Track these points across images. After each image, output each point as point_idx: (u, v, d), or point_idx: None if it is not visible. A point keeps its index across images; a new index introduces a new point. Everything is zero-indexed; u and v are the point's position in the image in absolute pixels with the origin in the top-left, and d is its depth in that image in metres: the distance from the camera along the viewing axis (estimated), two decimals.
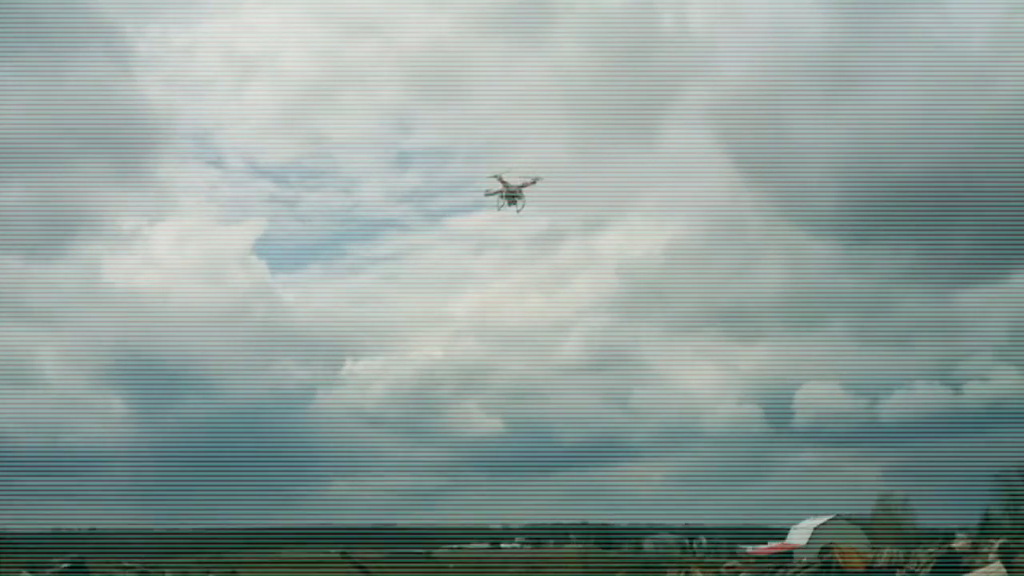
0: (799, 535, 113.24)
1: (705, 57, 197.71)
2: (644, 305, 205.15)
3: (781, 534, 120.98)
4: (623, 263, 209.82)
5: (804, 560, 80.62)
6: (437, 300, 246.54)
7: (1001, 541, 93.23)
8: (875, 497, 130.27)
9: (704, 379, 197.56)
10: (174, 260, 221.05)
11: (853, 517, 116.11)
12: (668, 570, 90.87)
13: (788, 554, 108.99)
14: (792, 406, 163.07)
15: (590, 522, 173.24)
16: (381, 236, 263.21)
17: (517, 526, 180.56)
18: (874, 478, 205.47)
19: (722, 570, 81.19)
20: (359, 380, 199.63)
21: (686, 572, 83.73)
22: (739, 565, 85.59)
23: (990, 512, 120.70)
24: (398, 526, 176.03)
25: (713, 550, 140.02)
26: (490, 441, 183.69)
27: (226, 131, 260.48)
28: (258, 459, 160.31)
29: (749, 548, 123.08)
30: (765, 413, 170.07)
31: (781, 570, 75.01)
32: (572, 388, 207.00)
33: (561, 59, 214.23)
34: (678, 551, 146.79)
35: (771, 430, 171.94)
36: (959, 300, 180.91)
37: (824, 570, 71.80)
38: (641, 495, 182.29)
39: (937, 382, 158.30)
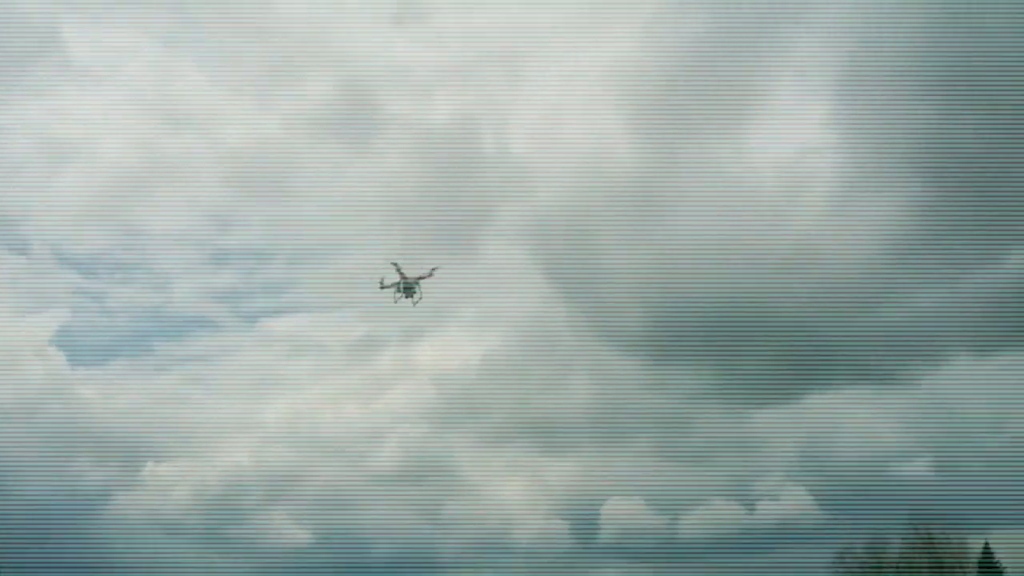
0: None
1: (523, 178, 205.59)
2: (458, 416, 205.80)
3: None
4: (439, 373, 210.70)
5: None
6: (247, 404, 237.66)
7: None
8: None
9: (514, 492, 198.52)
10: None
11: None
12: None
13: None
14: (598, 521, 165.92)
15: None
16: (191, 335, 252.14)
17: None
18: None
19: None
20: (160, 484, 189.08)
21: None
22: None
23: None
24: None
25: None
26: (297, 553, 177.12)
27: (33, 218, 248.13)
28: (45, 566, 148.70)
29: None
30: (571, 528, 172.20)
31: None
32: (384, 499, 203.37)
33: (387, 169, 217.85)
34: None
35: (577, 545, 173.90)
36: (753, 420, 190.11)
37: None
38: None
39: (732, 499, 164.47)
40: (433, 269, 64.75)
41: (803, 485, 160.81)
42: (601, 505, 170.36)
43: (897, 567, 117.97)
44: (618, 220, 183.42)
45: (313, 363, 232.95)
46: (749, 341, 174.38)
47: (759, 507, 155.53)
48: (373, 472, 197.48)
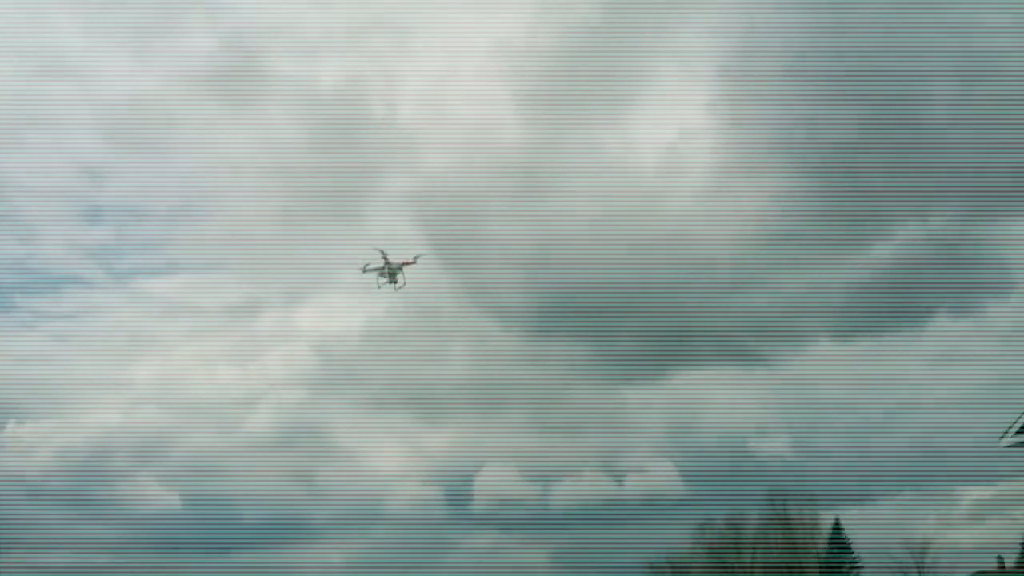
0: None
1: (409, 146, 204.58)
2: (337, 382, 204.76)
3: None
4: (319, 339, 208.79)
5: None
6: (117, 364, 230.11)
7: None
8: None
9: (391, 460, 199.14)
10: None
11: None
12: None
13: None
14: (471, 490, 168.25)
15: None
16: (60, 292, 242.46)
17: None
18: (543, 563, 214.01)
19: None
20: (22, 445, 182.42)
21: None
22: None
23: None
24: None
25: None
26: (166, 517, 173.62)
27: None
28: None
29: None
30: (446, 496, 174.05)
31: None
32: (257, 464, 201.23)
33: (270, 129, 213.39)
34: None
35: (450, 513, 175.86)
36: (624, 395, 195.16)
37: None
38: None
39: (602, 472, 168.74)
40: (417, 256, 63.84)
41: (669, 459, 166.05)
42: (475, 474, 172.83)
43: (754, 541, 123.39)
44: (502, 194, 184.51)
45: (188, 324, 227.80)
46: (623, 319, 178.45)
47: (627, 480, 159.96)
48: (247, 437, 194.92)
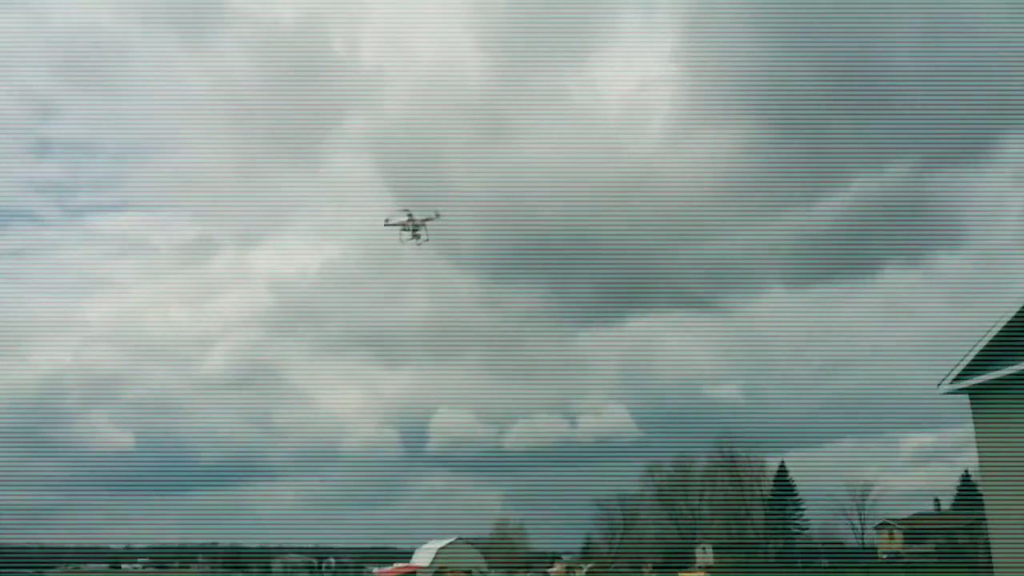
0: (423, 556, 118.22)
1: (371, 86, 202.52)
2: (294, 324, 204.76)
3: (407, 555, 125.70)
4: (275, 280, 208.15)
5: None
6: (69, 302, 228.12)
7: (590, 565, 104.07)
8: (494, 521, 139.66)
9: (347, 401, 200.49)
10: None
11: (472, 540, 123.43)
12: None
13: (412, 574, 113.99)
14: (427, 432, 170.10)
15: (220, 543, 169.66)
16: (9, 228, 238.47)
17: (141, 547, 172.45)
18: (495, 503, 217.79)
19: None
20: None
21: None
22: None
23: (591, 537, 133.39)
24: (7, 545, 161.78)
25: (341, 571, 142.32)
26: (119, 457, 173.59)
27: None
28: None
29: (375, 569, 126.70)
30: (402, 437, 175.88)
31: None
32: (213, 405, 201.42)
33: (227, 66, 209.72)
34: (307, 572, 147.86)
35: (406, 454, 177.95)
36: (579, 340, 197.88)
37: None
38: (275, 516, 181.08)
39: (556, 414, 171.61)
40: (437, 213, 64.09)
41: (622, 403, 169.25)
42: (431, 416, 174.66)
43: (701, 483, 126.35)
44: (464, 138, 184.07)
45: (141, 263, 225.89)
46: (580, 264, 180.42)
47: (580, 422, 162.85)
48: (202, 377, 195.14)
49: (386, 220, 66.20)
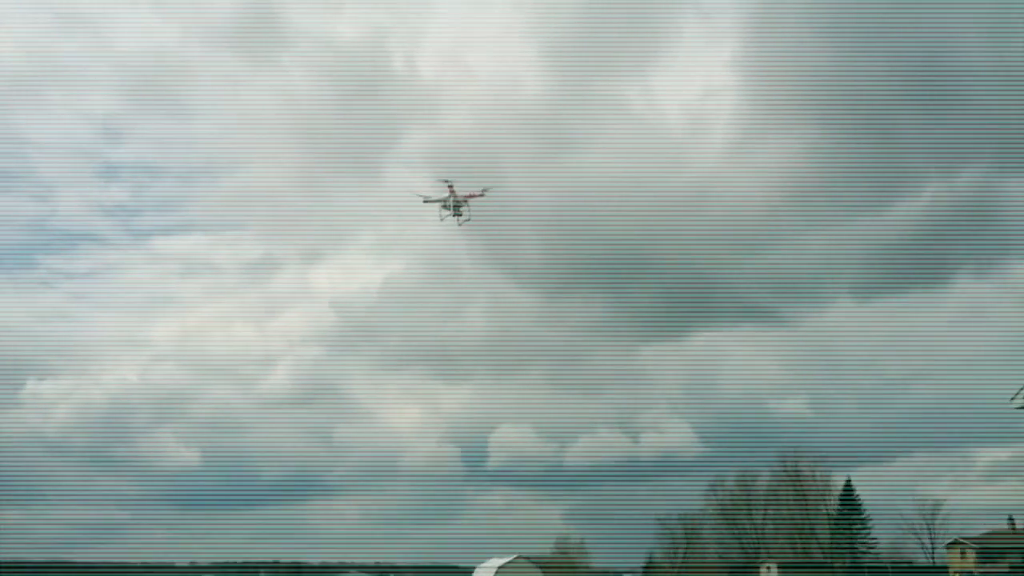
0: (484, 574, 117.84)
1: (430, 101, 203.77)
2: (355, 341, 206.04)
3: (468, 572, 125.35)
4: (337, 297, 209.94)
5: None
6: (136, 322, 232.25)
7: None
8: (554, 538, 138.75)
9: (408, 417, 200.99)
10: None
11: (533, 557, 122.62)
12: None
13: None
14: (487, 448, 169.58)
15: (282, 560, 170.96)
16: (78, 250, 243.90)
17: (205, 563, 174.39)
18: (556, 519, 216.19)
19: None
20: (41, 402, 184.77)
21: None
22: None
23: (653, 555, 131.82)
24: (76, 561, 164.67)
25: None
26: (184, 474, 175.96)
27: None
28: None
29: None
30: (462, 453, 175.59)
31: None
32: (275, 422, 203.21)
33: (289, 85, 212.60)
34: None
35: (466, 470, 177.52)
36: (641, 355, 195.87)
37: None
38: (337, 532, 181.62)
39: (618, 430, 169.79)
40: (485, 189, 61.35)
41: (685, 418, 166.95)
42: (491, 432, 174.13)
43: (765, 499, 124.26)
44: (523, 151, 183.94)
45: (205, 283, 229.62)
46: (642, 277, 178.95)
47: (643, 438, 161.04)
48: (265, 395, 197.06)
49: (425, 198, 62.88)
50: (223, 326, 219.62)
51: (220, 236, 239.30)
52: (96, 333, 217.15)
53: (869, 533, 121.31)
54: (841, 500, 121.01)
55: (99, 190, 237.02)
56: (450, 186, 61.60)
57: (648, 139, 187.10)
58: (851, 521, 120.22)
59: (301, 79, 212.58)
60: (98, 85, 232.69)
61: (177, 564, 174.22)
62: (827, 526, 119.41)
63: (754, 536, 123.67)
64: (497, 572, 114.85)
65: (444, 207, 61.86)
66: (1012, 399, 28.42)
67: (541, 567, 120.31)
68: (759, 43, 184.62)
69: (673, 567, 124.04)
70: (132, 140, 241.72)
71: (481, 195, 61.39)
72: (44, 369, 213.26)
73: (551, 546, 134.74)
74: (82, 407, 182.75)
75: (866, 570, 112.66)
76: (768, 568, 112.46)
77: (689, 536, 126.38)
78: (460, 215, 62.10)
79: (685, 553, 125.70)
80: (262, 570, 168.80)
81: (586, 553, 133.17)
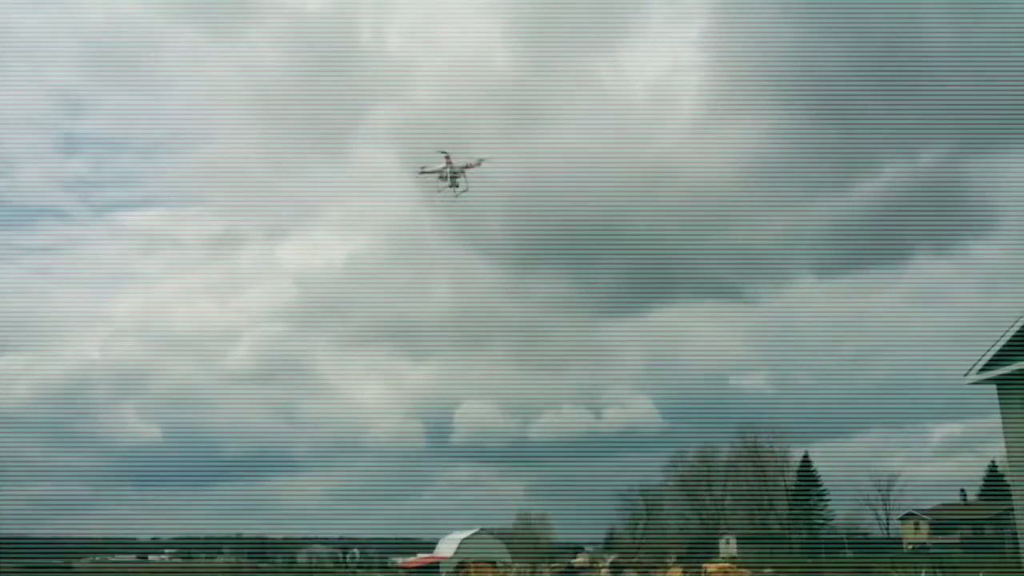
0: (447, 547, 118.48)
1: (398, 76, 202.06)
2: (319, 317, 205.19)
3: (431, 546, 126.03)
4: (301, 273, 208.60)
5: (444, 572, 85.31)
6: (97, 297, 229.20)
7: (613, 557, 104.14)
8: (517, 512, 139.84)
9: (372, 393, 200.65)
10: None
11: (496, 531, 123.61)
12: None
13: (435, 565, 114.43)
14: (451, 424, 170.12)
15: (245, 535, 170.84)
16: (38, 225, 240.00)
17: (168, 538, 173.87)
18: (519, 494, 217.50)
19: None
20: (1, 378, 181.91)
21: None
22: None
23: (614, 528, 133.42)
24: (37, 536, 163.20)
25: (366, 562, 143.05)
26: (146, 450, 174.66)
27: None
28: None
29: (399, 560, 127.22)
30: (426, 429, 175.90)
31: None
32: (238, 398, 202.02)
33: (254, 59, 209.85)
34: (331, 563, 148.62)
35: (430, 446, 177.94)
36: (605, 331, 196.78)
37: None
38: (300, 507, 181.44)
39: (581, 406, 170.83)
40: (481, 159, 60.01)
41: (647, 394, 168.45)
42: (455, 408, 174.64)
43: (725, 473, 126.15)
44: (490, 126, 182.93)
45: (168, 258, 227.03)
46: (606, 254, 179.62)
47: (605, 413, 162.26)
48: (228, 370, 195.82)
49: (421, 168, 61.09)
50: (186, 301, 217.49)
51: (183, 211, 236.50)
52: (56, 308, 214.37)
53: (826, 506, 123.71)
54: (799, 474, 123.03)
55: (59, 164, 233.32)
56: (447, 156, 60.22)
57: (614, 115, 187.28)
58: (808, 495, 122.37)
59: (267, 53, 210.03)
60: (59, 57, 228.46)
61: (139, 539, 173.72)
62: (785, 500, 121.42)
63: (714, 509, 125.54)
64: (460, 545, 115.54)
65: (441, 178, 60.43)
66: (966, 375, 29.25)
67: (504, 541, 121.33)
68: (726, 21, 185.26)
69: (634, 540, 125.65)
70: (93, 113, 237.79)
71: (478, 165, 60.22)
72: (3, 344, 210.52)
73: (514, 520, 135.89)
74: (42, 383, 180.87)
75: (822, 542, 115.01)
76: (727, 541, 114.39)
77: (650, 510, 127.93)
78: (457, 186, 60.59)
79: (645, 526, 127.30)
80: (225, 545, 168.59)
81: (548, 527, 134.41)
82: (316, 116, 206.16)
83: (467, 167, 59.44)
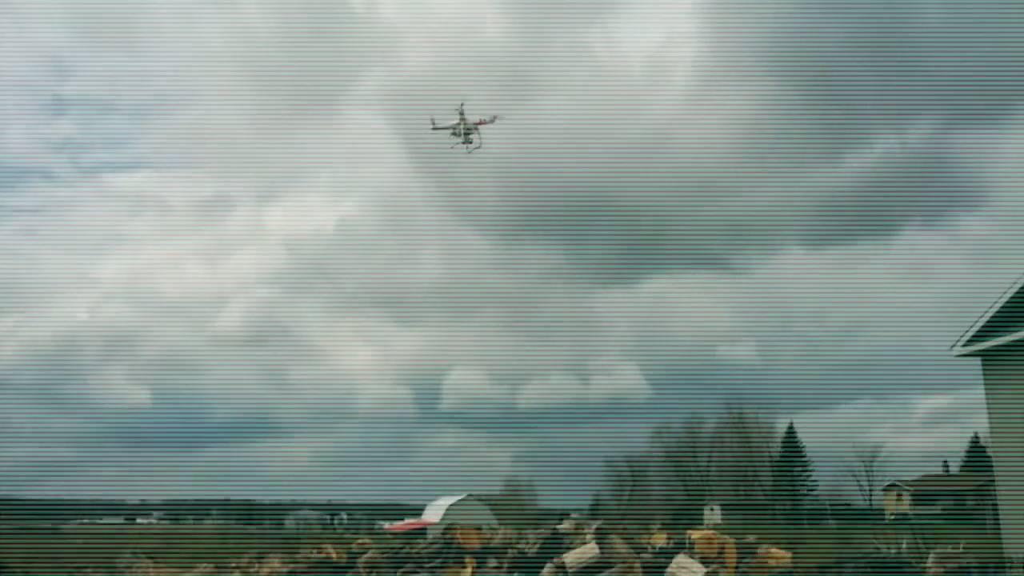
0: (434, 512, 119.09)
1: (390, 43, 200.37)
2: (308, 281, 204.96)
3: (418, 511, 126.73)
4: (291, 238, 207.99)
5: (430, 537, 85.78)
6: (85, 259, 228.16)
7: (598, 523, 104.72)
8: (504, 478, 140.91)
9: (361, 359, 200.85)
10: None
11: (483, 497, 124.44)
12: (302, 547, 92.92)
13: (422, 530, 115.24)
14: (440, 389, 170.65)
15: (233, 498, 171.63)
16: (24, 186, 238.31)
17: (156, 501, 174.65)
18: (506, 460, 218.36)
19: (353, 546, 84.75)
20: None
21: (317, 548, 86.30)
22: (369, 541, 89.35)
23: (599, 496, 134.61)
24: (24, 499, 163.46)
25: (353, 526, 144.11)
26: (135, 413, 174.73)
27: None
28: None
29: (386, 524, 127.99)
30: (415, 395, 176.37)
31: (408, 546, 79.64)
32: (227, 362, 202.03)
33: (244, 22, 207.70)
34: (319, 527, 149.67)
35: (419, 412, 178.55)
36: (595, 300, 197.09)
37: (446, 547, 77.25)
38: (289, 472, 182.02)
39: (570, 374, 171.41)
40: (495, 116, 58.82)
41: (635, 363, 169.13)
42: (445, 374, 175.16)
43: (710, 443, 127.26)
44: (482, 95, 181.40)
45: (156, 221, 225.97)
46: (596, 224, 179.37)
47: (593, 382, 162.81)
48: (217, 335, 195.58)
49: (432, 123, 59.35)
50: (174, 264, 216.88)
51: (172, 173, 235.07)
52: (44, 270, 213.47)
53: (810, 477, 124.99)
54: (783, 445, 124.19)
55: (46, 125, 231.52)
56: (461, 112, 58.96)
57: (608, 86, 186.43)
58: (792, 465, 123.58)
59: (258, 15, 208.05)
60: (47, 17, 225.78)
61: (128, 501, 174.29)
62: (769, 470, 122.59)
63: (699, 478, 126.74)
64: (447, 510, 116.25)
65: (454, 133, 59.21)
66: (951, 347, 29.62)
67: (490, 506, 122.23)
68: None
69: (619, 507, 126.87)
70: (81, 74, 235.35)
71: (491, 122, 59.10)
72: None
73: (501, 486, 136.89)
74: (30, 345, 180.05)
75: (806, 512, 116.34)
76: (712, 509, 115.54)
77: (635, 478, 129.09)
78: (470, 142, 59.40)
79: (631, 495, 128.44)
80: (213, 508, 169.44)
81: (535, 493, 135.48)
82: (307, 80, 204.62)
83: (481, 123, 58.22)
